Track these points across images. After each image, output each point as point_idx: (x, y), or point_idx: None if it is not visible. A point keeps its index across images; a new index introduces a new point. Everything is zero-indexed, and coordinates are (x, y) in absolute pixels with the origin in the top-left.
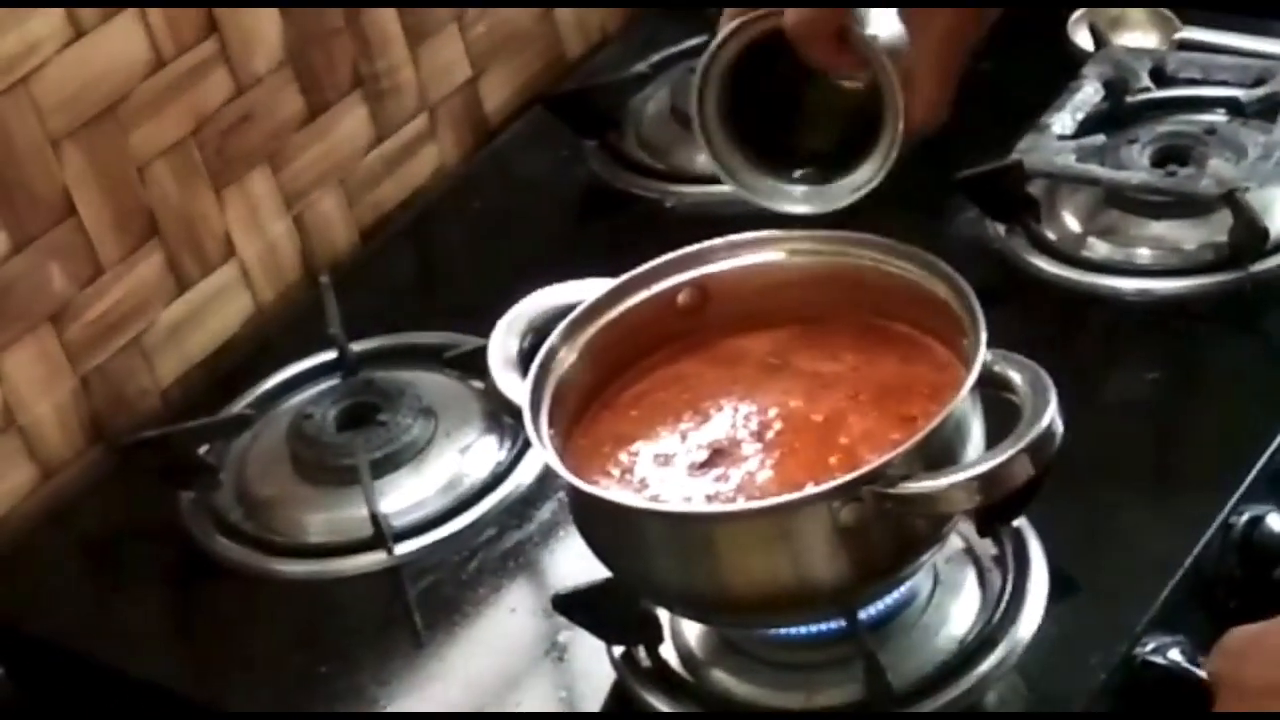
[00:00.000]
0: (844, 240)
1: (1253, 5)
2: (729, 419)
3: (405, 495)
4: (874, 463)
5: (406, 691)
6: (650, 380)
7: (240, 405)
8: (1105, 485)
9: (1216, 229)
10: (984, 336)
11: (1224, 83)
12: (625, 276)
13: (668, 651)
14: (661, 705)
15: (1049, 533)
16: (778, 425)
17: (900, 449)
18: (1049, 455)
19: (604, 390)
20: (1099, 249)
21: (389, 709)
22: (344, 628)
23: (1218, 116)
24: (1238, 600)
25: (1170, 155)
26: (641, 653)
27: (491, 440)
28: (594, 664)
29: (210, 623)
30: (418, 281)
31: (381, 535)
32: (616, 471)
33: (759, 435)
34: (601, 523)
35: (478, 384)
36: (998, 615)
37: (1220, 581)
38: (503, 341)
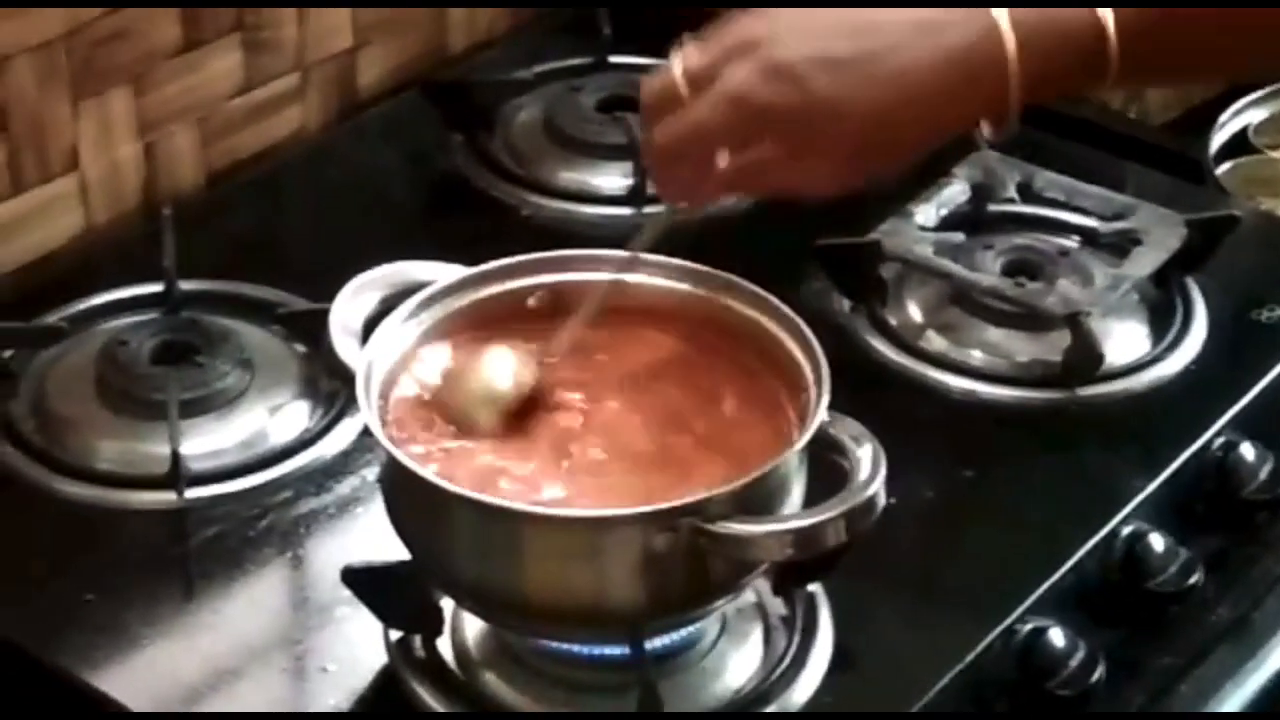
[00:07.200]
0: (706, 277)
1: None
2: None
3: (207, 441)
4: (696, 495)
5: (172, 635)
6: None
7: (54, 318)
8: (903, 569)
9: (1049, 348)
10: (826, 397)
11: (1084, 210)
12: (484, 267)
13: (444, 646)
14: (427, 697)
15: (841, 605)
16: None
17: (725, 487)
18: (867, 525)
19: None
20: (936, 343)
21: (149, 649)
22: (118, 560)
23: (1071, 241)
24: (1007, 705)
25: (1021, 268)
26: (417, 642)
27: (304, 405)
28: (367, 645)
29: None
30: (257, 236)
31: (177, 475)
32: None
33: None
34: (411, 498)
35: (301, 348)
36: (776, 674)
37: (993, 684)
38: (347, 305)
